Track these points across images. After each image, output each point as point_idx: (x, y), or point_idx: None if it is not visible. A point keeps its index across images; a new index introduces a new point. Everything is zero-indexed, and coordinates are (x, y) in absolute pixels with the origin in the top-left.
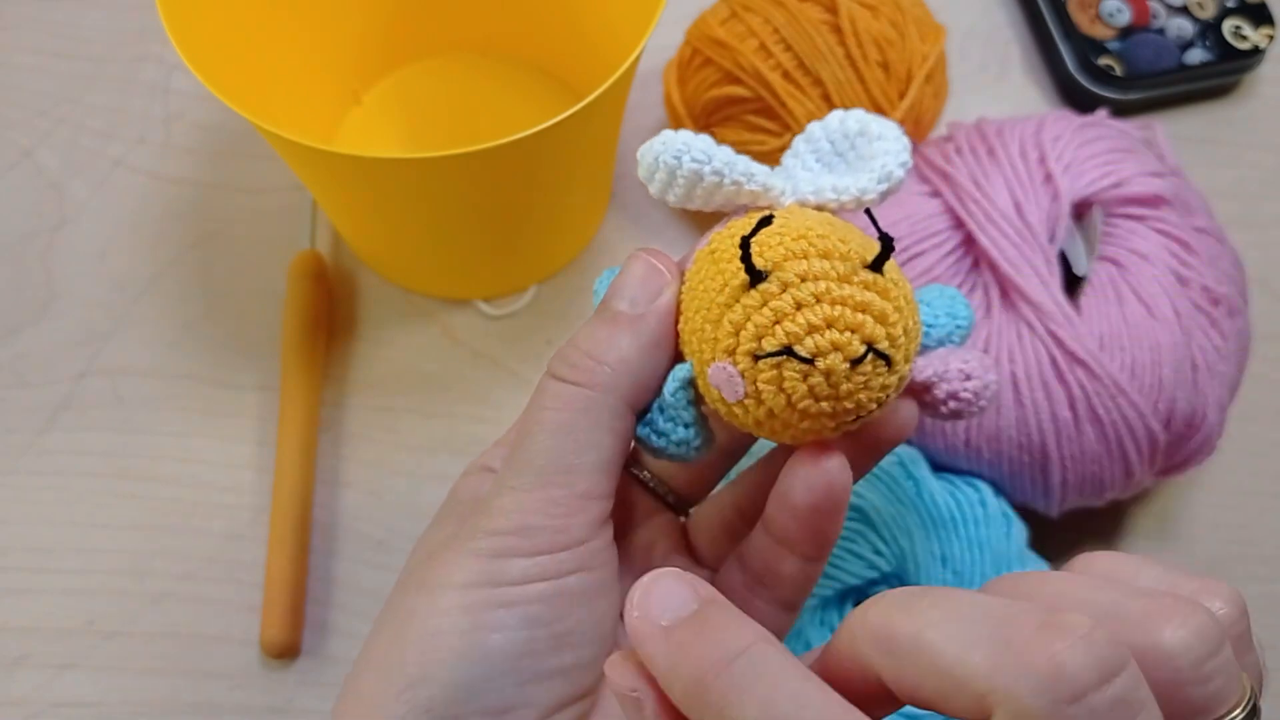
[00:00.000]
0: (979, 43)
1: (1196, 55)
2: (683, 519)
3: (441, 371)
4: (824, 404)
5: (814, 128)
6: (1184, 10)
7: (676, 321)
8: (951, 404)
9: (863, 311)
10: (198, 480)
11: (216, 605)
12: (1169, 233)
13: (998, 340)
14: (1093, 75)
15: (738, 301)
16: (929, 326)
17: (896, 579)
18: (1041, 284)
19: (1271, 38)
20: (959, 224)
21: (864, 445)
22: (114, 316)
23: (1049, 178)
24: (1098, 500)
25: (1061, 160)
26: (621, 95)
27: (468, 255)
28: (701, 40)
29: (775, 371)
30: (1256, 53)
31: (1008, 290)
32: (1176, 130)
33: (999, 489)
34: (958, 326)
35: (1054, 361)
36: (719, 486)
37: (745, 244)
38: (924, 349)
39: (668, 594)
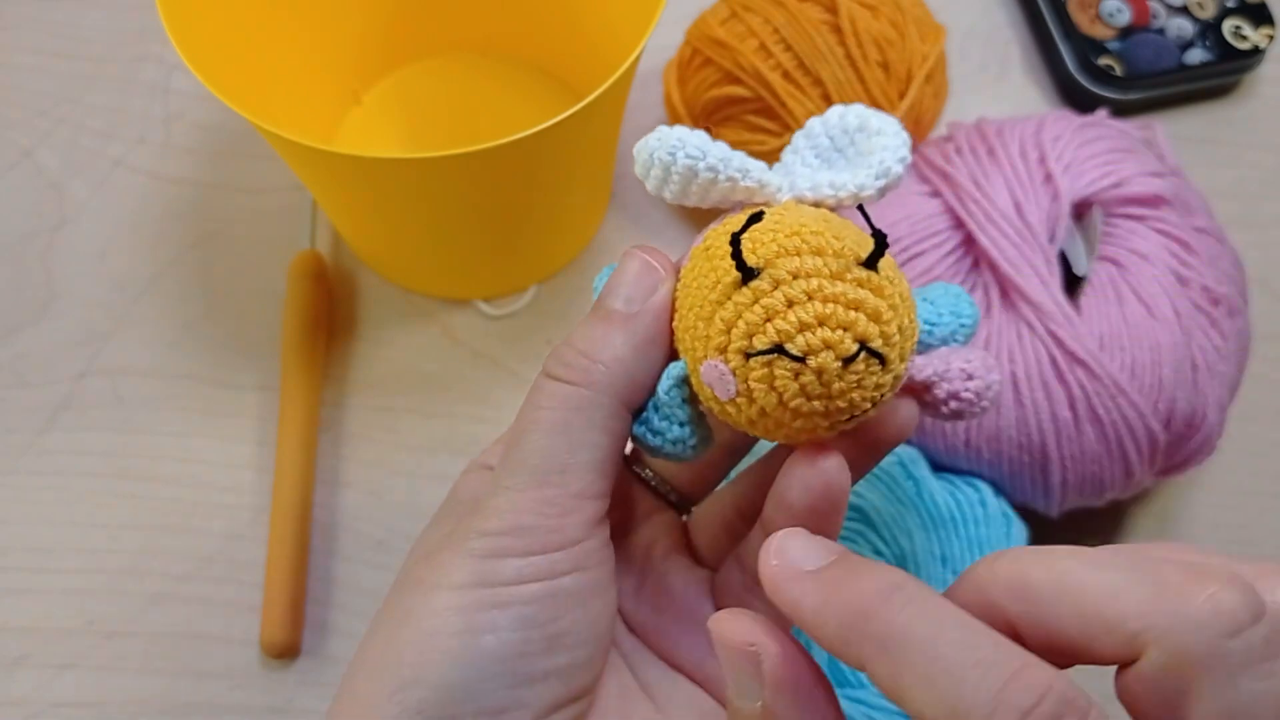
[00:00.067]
0: (979, 43)
1: (1196, 55)
2: (685, 518)
3: (441, 371)
4: (816, 403)
5: (814, 123)
6: (1184, 10)
7: (672, 319)
8: (952, 404)
9: (856, 309)
10: (198, 480)
11: (216, 605)
12: (1169, 233)
13: (998, 340)
14: (1093, 75)
15: (729, 299)
16: (931, 325)
17: None
18: (1041, 284)
19: (1271, 38)
20: (959, 224)
21: (863, 445)
22: (114, 316)
23: (1049, 178)
24: (1098, 500)
25: (1061, 160)
26: (621, 95)
27: (468, 255)
28: (701, 40)
29: (767, 370)
30: (1256, 53)
31: (1008, 290)
32: (1176, 130)
33: (999, 489)
34: (961, 325)
35: (1054, 361)
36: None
37: (735, 240)
38: (927, 347)
39: (805, 546)
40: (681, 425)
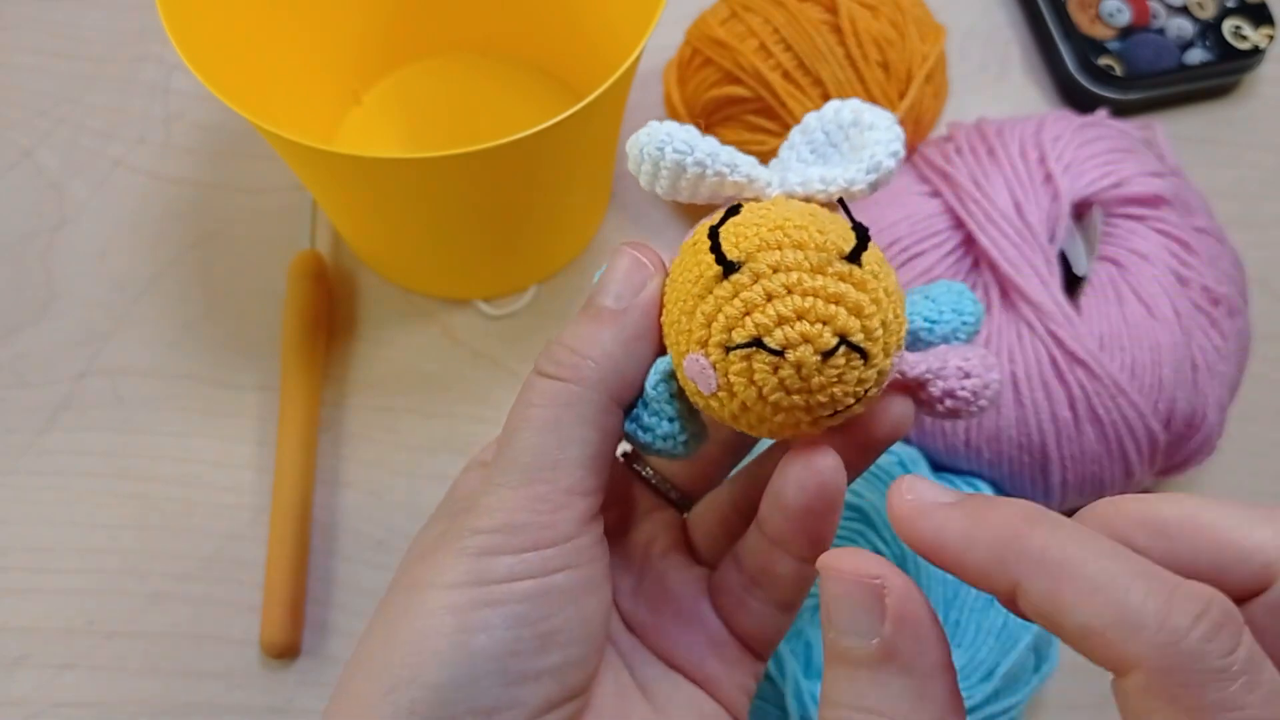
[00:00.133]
0: (979, 43)
1: (1196, 55)
2: (685, 516)
3: (441, 371)
4: (796, 397)
5: (810, 119)
6: (1184, 10)
7: (661, 314)
8: (948, 402)
9: (836, 303)
10: (198, 480)
11: (216, 605)
12: (1169, 233)
13: (998, 340)
14: (1093, 75)
15: (710, 293)
16: (932, 322)
17: None
18: (1041, 284)
19: (1271, 38)
20: (959, 224)
21: (857, 443)
22: (114, 316)
23: (1049, 178)
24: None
25: (1061, 160)
26: (621, 95)
27: (468, 255)
28: (701, 40)
29: (746, 363)
30: (1256, 53)
31: (1008, 290)
32: (1176, 130)
33: (999, 489)
34: (964, 323)
35: (1054, 361)
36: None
37: (714, 233)
38: (928, 345)
39: (932, 487)
40: (671, 421)
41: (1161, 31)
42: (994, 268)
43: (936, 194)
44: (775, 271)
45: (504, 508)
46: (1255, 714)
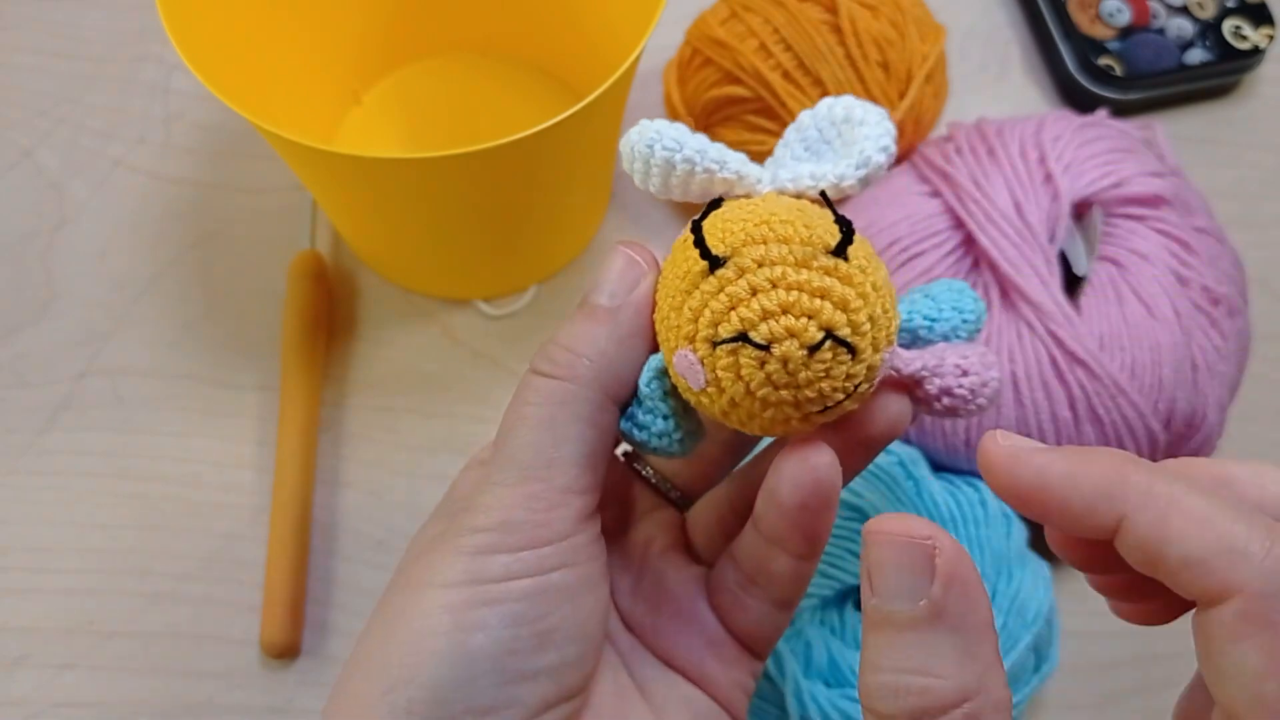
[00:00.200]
0: (979, 43)
1: (1196, 55)
2: (686, 516)
3: (441, 371)
4: (784, 392)
5: (804, 116)
6: (1184, 10)
7: (654, 312)
8: (945, 400)
9: (821, 297)
10: (198, 480)
11: (216, 605)
12: (1169, 233)
13: (998, 340)
14: (1093, 75)
15: (697, 288)
16: (932, 321)
17: None
18: (1041, 284)
19: (1271, 38)
20: (959, 224)
21: (854, 441)
22: (114, 316)
23: (1049, 178)
24: None
25: (1061, 160)
26: (621, 95)
27: (468, 255)
28: (701, 40)
29: (732, 358)
30: (1256, 53)
31: (1008, 290)
32: (1176, 130)
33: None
34: (964, 320)
35: (1054, 361)
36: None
37: (696, 227)
38: (928, 343)
39: (1022, 438)
40: (665, 419)
41: (1161, 31)
42: (994, 268)
43: (936, 194)
44: (760, 266)
45: (500, 506)
46: None
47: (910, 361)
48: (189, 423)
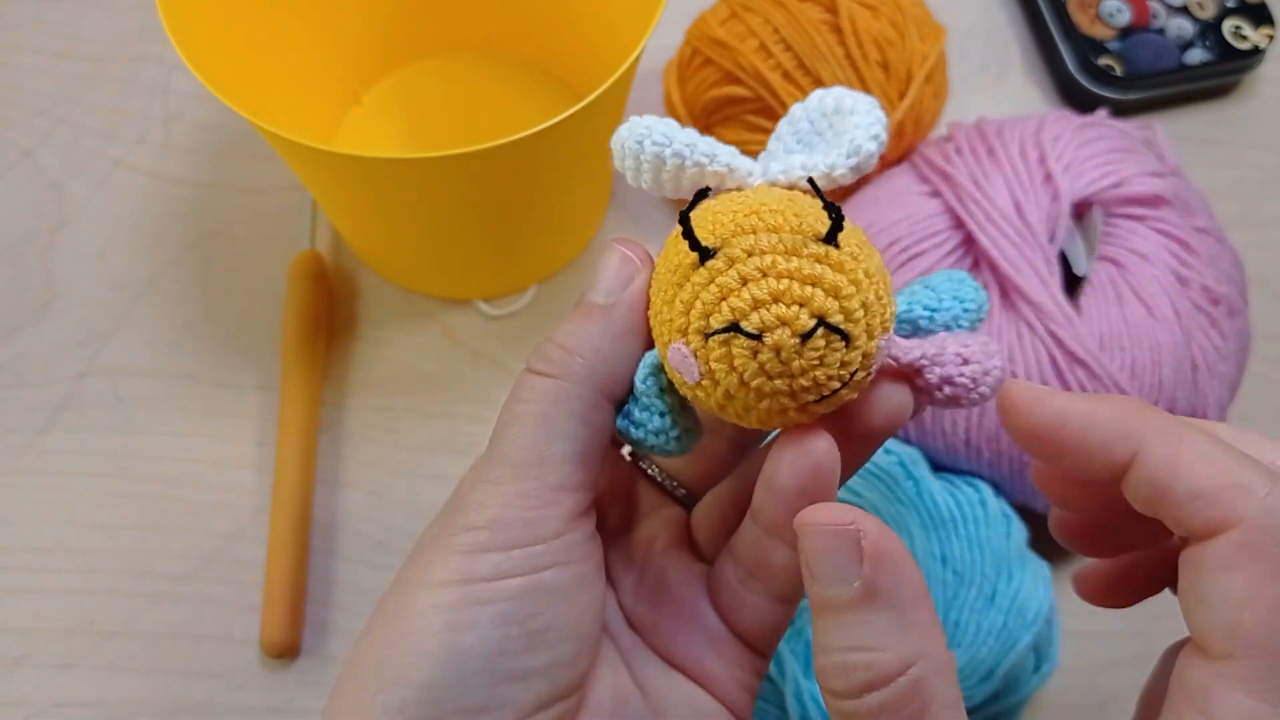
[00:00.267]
0: (979, 43)
1: (1196, 55)
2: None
3: (441, 371)
4: (779, 382)
5: (795, 109)
6: (1184, 10)
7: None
8: (946, 389)
9: (812, 285)
10: (198, 480)
11: (216, 605)
12: (1169, 233)
13: (998, 340)
14: (1093, 75)
15: (688, 280)
16: (933, 310)
17: None
18: (1041, 284)
19: (1271, 38)
20: (959, 224)
21: (854, 433)
22: (114, 316)
23: (1049, 178)
24: None
25: (1061, 160)
26: (621, 95)
27: (468, 255)
28: (701, 40)
29: (725, 349)
30: (1256, 53)
31: (1008, 290)
32: (1176, 130)
33: (999, 489)
34: (965, 310)
35: (1054, 361)
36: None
37: (685, 219)
38: (928, 333)
39: (1041, 385)
40: (661, 416)
41: (1161, 31)
42: (994, 268)
43: (936, 194)
44: (750, 255)
45: (492, 504)
46: None
47: (910, 350)
48: (189, 423)
